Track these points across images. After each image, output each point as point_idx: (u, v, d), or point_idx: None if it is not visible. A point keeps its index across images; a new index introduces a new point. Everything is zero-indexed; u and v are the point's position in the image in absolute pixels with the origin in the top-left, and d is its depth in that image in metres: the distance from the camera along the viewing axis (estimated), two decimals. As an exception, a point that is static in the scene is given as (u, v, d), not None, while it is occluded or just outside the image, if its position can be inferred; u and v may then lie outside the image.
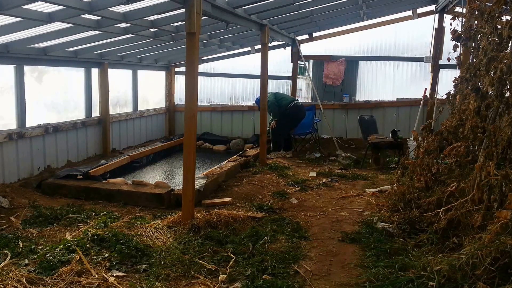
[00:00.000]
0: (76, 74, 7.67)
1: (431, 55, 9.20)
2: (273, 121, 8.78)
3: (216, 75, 10.82)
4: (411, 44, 9.88)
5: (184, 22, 4.76)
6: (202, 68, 10.49)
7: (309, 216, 5.09)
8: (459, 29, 5.45)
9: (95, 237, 4.02)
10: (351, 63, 10.17)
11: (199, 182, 5.78)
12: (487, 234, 3.16)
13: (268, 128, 8.75)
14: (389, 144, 7.82)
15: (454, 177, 4.40)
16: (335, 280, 3.49)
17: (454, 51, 5.37)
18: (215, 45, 9.00)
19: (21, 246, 4.05)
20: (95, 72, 7.90)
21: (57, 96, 7.32)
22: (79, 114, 7.70)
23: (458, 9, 8.09)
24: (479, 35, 4.76)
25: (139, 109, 9.57)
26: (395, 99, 9.95)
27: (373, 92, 10.22)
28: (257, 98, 9.44)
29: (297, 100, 9.33)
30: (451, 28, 5.40)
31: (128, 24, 5.83)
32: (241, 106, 10.64)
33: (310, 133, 9.24)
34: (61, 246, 3.90)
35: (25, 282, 3.28)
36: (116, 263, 3.68)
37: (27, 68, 6.37)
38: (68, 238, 4.18)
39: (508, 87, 4.06)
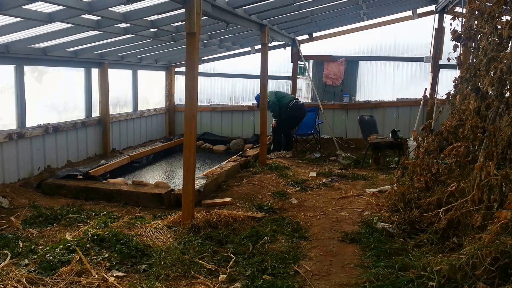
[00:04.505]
0: (76, 74, 7.67)
1: (431, 55, 9.20)
2: (274, 121, 8.77)
3: (216, 75, 10.83)
4: (411, 44, 9.89)
5: (184, 22, 4.76)
6: (202, 68, 10.50)
7: (309, 216, 5.09)
8: (459, 29, 5.44)
9: (95, 237, 4.02)
10: (351, 63, 10.17)
11: (199, 182, 5.78)
12: (487, 234, 3.15)
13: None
14: (389, 144, 7.82)
15: (454, 177, 4.40)
16: (335, 280, 3.48)
17: (454, 51, 5.37)
18: (215, 45, 9.00)
19: (21, 246, 4.05)
20: (95, 72, 7.90)
21: (57, 96, 7.32)
22: (79, 114, 7.71)
23: (458, 9, 8.09)
24: (479, 35, 4.76)
25: (139, 109, 9.57)
26: (395, 99, 9.95)
27: (373, 92, 10.23)
28: (257, 95, 9.38)
29: (297, 98, 9.29)
30: (451, 28, 5.40)
31: (128, 24, 5.83)
32: (241, 106, 10.64)
33: (311, 134, 9.25)
34: (61, 246, 3.89)
35: (25, 282, 3.28)
36: (116, 263, 3.67)
37: (27, 68, 6.37)
38: (68, 238, 4.18)
39: (508, 87, 4.07)
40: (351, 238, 4.31)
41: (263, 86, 7.67)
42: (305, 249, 4.09)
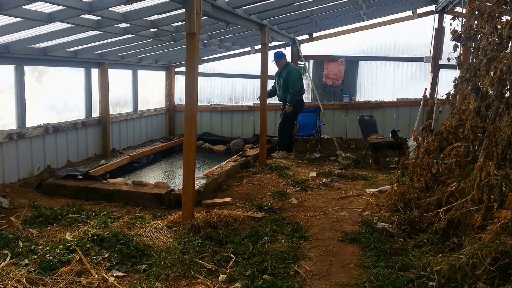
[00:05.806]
0: (76, 74, 7.66)
1: (431, 55, 9.19)
2: (287, 107, 8.56)
3: (216, 75, 10.83)
4: (411, 44, 9.88)
5: (184, 22, 4.76)
6: (202, 68, 10.49)
7: (309, 216, 5.09)
8: (459, 29, 5.45)
9: (95, 237, 4.02)
10: (351, 63, 10.16)
11: (199, 182, 5.78)
12: (487, 234, 3.15)
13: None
14: (389, 144, 7.82)
15: (454, 177, 4.40)
16: (335, 280, 3.48)
17: (454, 51, 5.38)
18: (215, 45, 9.00)
19: (21, 246, 4.04)
20: (95, 72, 7.90)
21: (57, 96, 7.32)
22: (79, 114, 7.70)
23: (458, 9, 8.09)
24: (479, 35, 4.77)
25: (139, 109, 9.57)
26: (395, 99, 9.94)
27: (373, 92, 10.21)
28: (276, 53, 8.76)
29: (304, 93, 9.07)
30: (451, 28, 5.41)
31: (128, 24, 5.83)
32: (241, 106, 10.63)
33: (312, 135, 9.24)
34: (61, 246, 3.89)
35: (25, 282, 3.28)
36: (116, 263, 3.67)
37: (27, 68, 6.37)
38: (68, 238, 4.18)
39: (508, 87, 4.07)
40: (351, 238, 4.31)
41: (263, 86, 7.67)
42: (305, 249, 4.09)
